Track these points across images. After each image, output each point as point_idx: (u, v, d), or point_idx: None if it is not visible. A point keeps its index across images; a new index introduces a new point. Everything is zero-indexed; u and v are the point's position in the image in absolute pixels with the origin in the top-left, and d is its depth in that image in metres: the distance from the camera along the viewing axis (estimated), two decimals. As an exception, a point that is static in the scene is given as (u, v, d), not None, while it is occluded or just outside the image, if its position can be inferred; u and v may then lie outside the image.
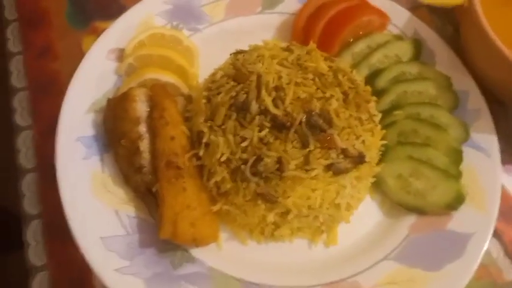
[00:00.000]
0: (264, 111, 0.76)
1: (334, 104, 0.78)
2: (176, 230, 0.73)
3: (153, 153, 0.78)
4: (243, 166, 0.75)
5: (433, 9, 1.14)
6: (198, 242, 0.76)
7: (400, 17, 1.03)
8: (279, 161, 0.74)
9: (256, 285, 0.77)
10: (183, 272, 0.76)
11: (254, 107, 0.76)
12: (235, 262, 0.79)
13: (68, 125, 0.83)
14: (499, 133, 0.97)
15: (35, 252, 0.81)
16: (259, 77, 0.79)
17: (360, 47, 0.97)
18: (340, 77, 0.82)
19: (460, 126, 0.89)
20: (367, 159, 0.79)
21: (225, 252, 0.80)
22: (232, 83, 0.80)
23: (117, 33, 0.93)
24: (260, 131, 0.75)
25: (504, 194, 0.92)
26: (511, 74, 0.87)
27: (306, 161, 0.74)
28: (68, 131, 0.82)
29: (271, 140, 0.75)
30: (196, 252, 0.78)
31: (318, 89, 0.79)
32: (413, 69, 0.95)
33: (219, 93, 0.80)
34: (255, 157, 0.74)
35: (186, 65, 0.91)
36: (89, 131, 0.84)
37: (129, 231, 0.77)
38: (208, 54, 0.96)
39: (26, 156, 0.87)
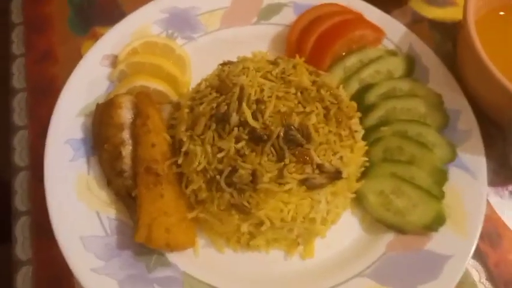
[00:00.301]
0: (243, 124, 0.77)
1: (313, 119, 0.78)
2: (151, 234, 0.75)
3: (134, 159, 0.80)
4: (218, 176, 0.76)
5: (434, 24, 1.13)
6: (171, 247, 0.78)
7: (396, 32, 1.02)
8: (253, 173, 0.75)
9: (228, 293, 0.79)
10: (157, 275, 0.78)
11: (234, 118, 0.78)
12: (211, 269, 0.81)
13: (58, 127, 0.86)
14: (494, 154, 0.96)
15: (22, 248, 0.84)
16: (241, 89, 0.80)
17: (352, 61, 0.97)
18: (323, 92, 0.82)
19: (447, 146, 0.88)
20: (344, 175, 0.79)
21: (202, 259, 0.82)
22: (215, 94, 0.82)
23: (113, 40, 0.96)
24: (237, 142, 0.76)
25: (493, 216, 0.91)
26: (504, 98, 0.85)
27: (280, 174, 0.75)
28: (58, 133, 0.86)
29: (247, 152, 0.76)
30: (172, 256, 0.80)
31: (299, 103, 0.80)
32: (404, 85, 0.94)
33: (201, 103, 0.82)
34: (230, 168, 0.76)
35: (177, 73, 0.93)
36: (78, 134, 0.87)
37: (108, 233, 0.80)
38: (201, 63, 0.97)
39: (20, 155, 0.91)
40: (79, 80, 0.91)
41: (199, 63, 0.97)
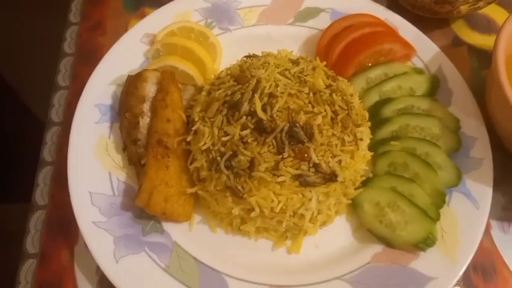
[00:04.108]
0: (252, 113, 0.82)
1: (319, 120, 0.81)
2: (150, 201, 0.81)
3: (149, 130, 0.87)
4: (219, 158, 0.81)
5: (473, 50, 1.11)
6: (167, 216, 0.83)
7: (427, 51, 1.02)
8: (252, 160, 0.79)
9: (213, 271, 0.83)
10: (150, 240, 0.84)
11: (245, 107, 0.82)
12: (200, 245, 0.85)
13: (92, 91, 0.95)
14: (507, 190, 0.94)
15: (41, 193, 0.93)
16: (257, 81, 0.84)
17: (376, 73, 0.98)
18: (335, 96, 0.85)
19: (453, 170, 0.87)
20: (339, 179, 0.81)
21: (194, 234, 0.87)
22: (232, 82, 0.87)
23: (155, 21, 1.03)
24: (243, 130, 0.81)
25: (492, 250, 0.90)
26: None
27: (276, 166, 0.78)
28: (90, 96, 0.94)
29: (250, 140, 0.80)
30: (167, 225, 0.86)
31: (309, 103, 0.83)
32: (423, 104, 0.94)
33: (219, 89, 0.87)
34: (231, 152, 0.80)
35: (206, 59, 0.99)
36: (107, 100, 0.95)
37: (115, 193, 0.87)
38: (233, 54, 1.01)
39: (56, 112, 1.01)
40: (118, 52, 0.99)
41: (230, 54, 1.02)
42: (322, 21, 1.07)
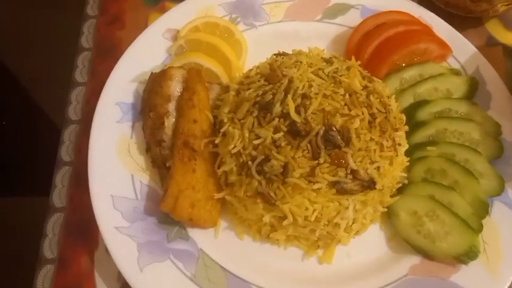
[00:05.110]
0: (284, 115, 0.77)
1: (357, 124, 0.76)
2: (176, 206, 0.77)
3: (174, 131, 0.82)
4: (250, 162, 0.76)
5: (508, 51, 1.06)
6: (193, 223, 0.79)
7: (464, 52, 0.97)
8: (285, 165, 0.74)
9: (241, 281, 0.79)
10: (175, 247, 0.79)
11: (277, 109, 0.77)
12: (227, 252, 0.81)
13: (112, 88, 0.90)
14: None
15: (59, 195, 0.89)
16: (290, 81, 0.80)
17: (411, 73, 0.94)
18: (372, 98, 0.80)
19: (496, 179, 0.83)
20: (377, 186, 0.76)
21: (220, 241, 0.83)
22: (263, 81, 0.82)
23: (178, 15, 0.99)
24: (275, 133, 0.76)
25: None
26: None
27: (312, 172, 0.74)
28: (111, 94, 0.90)
29: (283, 144, 0.75)
30: (192, 232, 0.82)
31: (345, 105, 0.78)
32: (461, 107, 0.90)
33: (248, 89, 0.82)
34: (263, 156, 0.76)
35: (232, 56, 0.95)
36: (129, 98, 0.90)
37: (138, 197, 0.83)
38: (258, 51, 0.97)
39: (74, 110, 0.97)
40: (140, 48, 0.95)
41: (256, 51, 0.98)
42: (352, 18, 1.03)
